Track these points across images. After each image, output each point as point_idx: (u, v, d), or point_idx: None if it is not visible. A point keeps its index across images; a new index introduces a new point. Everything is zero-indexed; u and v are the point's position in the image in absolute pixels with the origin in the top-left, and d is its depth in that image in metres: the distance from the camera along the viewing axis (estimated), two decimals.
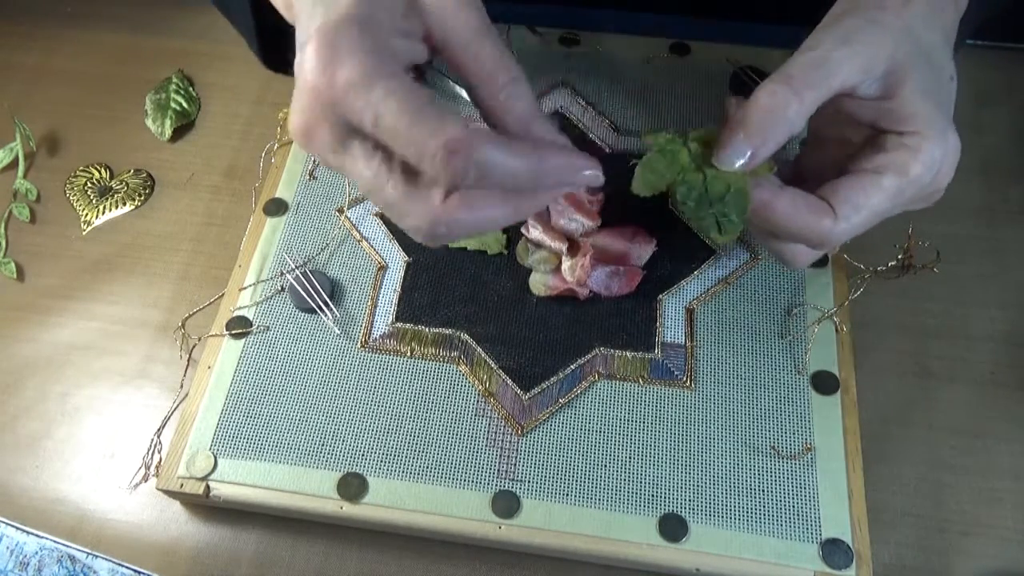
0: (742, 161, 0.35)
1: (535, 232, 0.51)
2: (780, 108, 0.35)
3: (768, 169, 0.37)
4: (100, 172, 0.60)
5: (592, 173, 0.35)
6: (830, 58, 0.35)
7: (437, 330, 0.50)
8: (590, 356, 0.48)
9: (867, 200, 0.36)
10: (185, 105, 0.63)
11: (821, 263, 0.51)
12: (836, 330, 0.49)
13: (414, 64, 0.34)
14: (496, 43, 0.34)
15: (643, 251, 0.51)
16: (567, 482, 0.45)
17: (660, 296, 0.50)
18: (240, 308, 0.51)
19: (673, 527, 0.43)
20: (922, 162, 0.36)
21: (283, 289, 0.51)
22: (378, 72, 0.31)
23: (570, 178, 0.34)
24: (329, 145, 0.33)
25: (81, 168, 0.60)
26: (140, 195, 0.59)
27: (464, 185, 0.31)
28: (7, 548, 0.45)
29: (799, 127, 0.35)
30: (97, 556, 0.45)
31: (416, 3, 0.33)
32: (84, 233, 0.57)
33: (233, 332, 0.50)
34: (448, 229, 0.33)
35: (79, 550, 0.46)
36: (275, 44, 0.48)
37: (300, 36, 0.34)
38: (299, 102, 0.32)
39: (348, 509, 0.44)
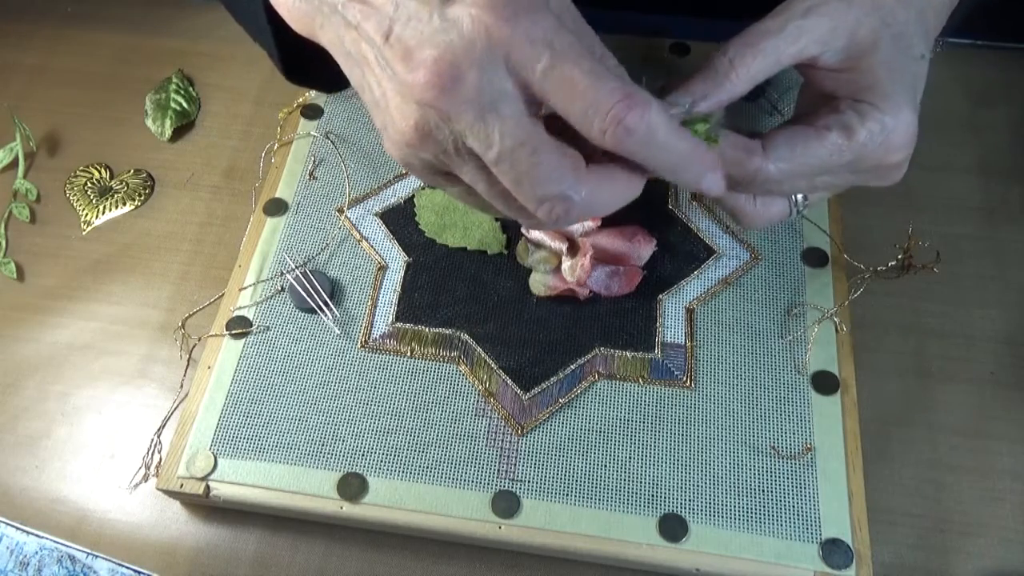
0: (677, 109, 0.36)
1: (535, 232, 0.51)
2: (721, 70, 0.36)
3: (703, 123, 0.37)
4: (100, 172, 0.60)
5: (715, 179, 0.34)
6: (786, 28, 0.36)
7: (437, 330, 0.50)
8: (590, 356, 0.48)
9: (803, 147, 0.36)
10: (185, 105, 0.63)
11: (821, 263, 0.51)
12: (836, 330, 0.49)
13: None
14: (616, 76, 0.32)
15: (643, 251, 0.51)
16: (567, 482, 0.45)
17: (660, 296, 0.50)
18: (240, 308, 0.51)
19: (673, 527, 0.43)
20: (868, 128, 0.36)
21: (283, 289, 0.51)
22: (555, 26, 0.30)
23: (700, 175, 0.34)
24: (479, 93, 0.30)
25: (81, 168, 0.60)
26: (140, 195, 0.59)
27: (625, 150, 0.31)
28: (7, 548, 0.45)
29: (741, 90, 0.36)
30: (97, 556, 0.45)
31: None
32: (84, 233, 0.57)
33: (233, 332, 0.50)
34: (580, 204, 0.32)
35: (79, 550, 0.46)
36: (296, 57, 0.48)
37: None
38: (452, 40, 0.30)
39: (348, 509, 0.44)
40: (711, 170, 0.33)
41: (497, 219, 0.53)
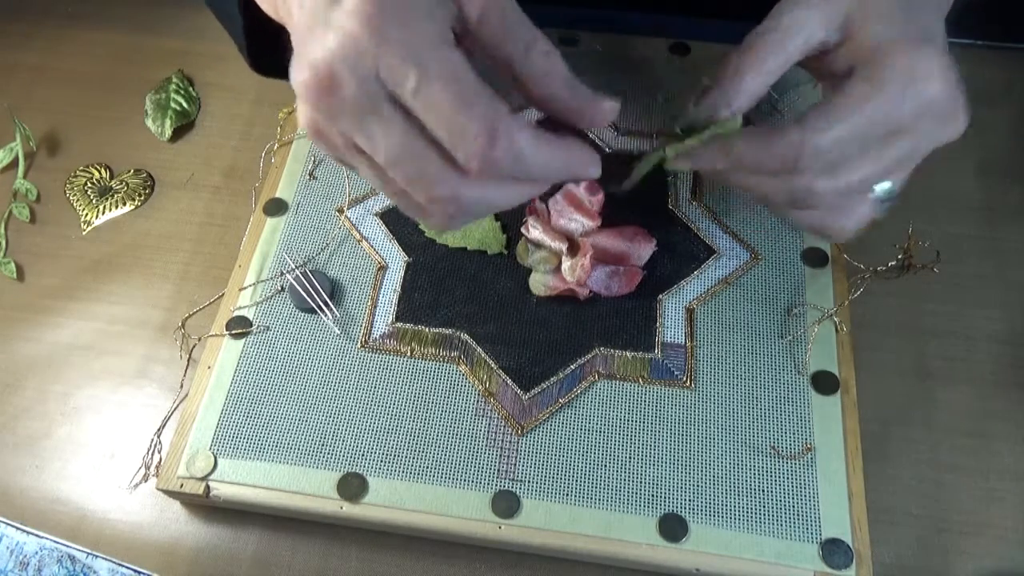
0: (709, 114, 0.37)
1: (535, 232, 0.51)
2: (744, 71, 0.36)
3: (735, 124, 0.38)
4: (100, 172, 0.60)
5: (595, 171, 0.35)
6: (789, 24, 0.36)
7: (437, 330, 0.50)
8: (590, 356, 0.48)
9: (837, 111, 0.35)
10: (185, 105, 0.63)
11: (821, 263, 0.51)
12: (836, 330, 0.49)
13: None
14: (525, 17, 0.33)
15: (643, 251, 0.51)
16: (567, 482, 0.45)
17: (660, 296, 0.50)
18: (240, 308, 0.51)
19: (673, 527, 0.43)
20: (888, 66, 0.34)
21: (283, 289, 0.51)
22: (431, 40, 0.30)
23: (583, 174, 0.35)
24: (355, 101, 0.30)
25: (81, 168, 0.60)
26: (140, 195, 0.59)
27: (494, 173, 0.31)
28: (7, 548, 0.45)
29: (761, 89, 0.37)
30: (97, 556, 0.45)
31: None
32: (84, 233, 0.57)
33: (233, 332, 0.50)
34: (476, 207, 0.33)
35: (79, 550, 0.46)
36: (265, 48, 0.48)
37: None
38: (330, 51, 0.30)
39: (348, 509, 0.44)
40: (593, 164, 0.34)
41: (497, 219, 0.53)
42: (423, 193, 0.32)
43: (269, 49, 0.46)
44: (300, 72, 0.31)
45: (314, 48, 0.30)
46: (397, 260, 0.52)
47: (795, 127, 0.35)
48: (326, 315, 0.50)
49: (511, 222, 0.53)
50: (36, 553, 0.45)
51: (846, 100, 0.35)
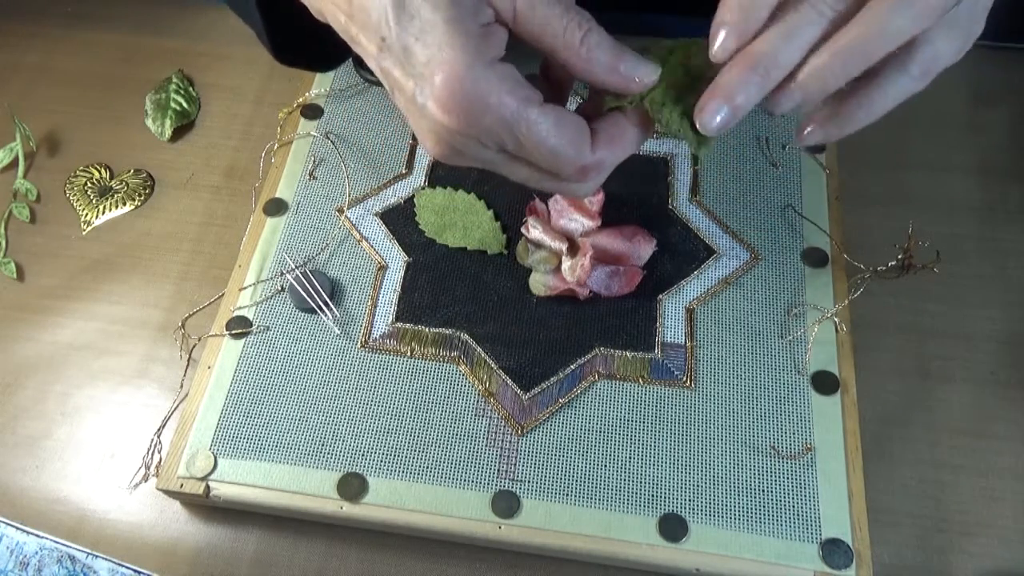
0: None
1: (535, 232, 0.51)
2: None
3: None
4: (100, 172, 0.60)
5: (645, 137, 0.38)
6: None
7: (437, 330, 0.50)
8: (590, 356, 0.48)
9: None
10: (185, 105, 0.63)
11: (821, 263, 0.51)
12: (836, 330, 0.49)
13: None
14: (559, 3, 0.35)
15: (643, 251, 0.51)
16: (567, 482, 0.45)
17: (660, 296, 0.50)
18: (240, 308, 0.51)
19: (673, 527, 0.43)
20: None
21: (283, 289, 0.51)
22: (516, 111, 0.33)
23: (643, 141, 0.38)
24: (475, 159, 0.36)
25: (81, 168, 0.60)
26: (140, 195, 0.59)
27: (598, 179, 0.37)
28: (7, 548, 0.45)
29: None
30: (97, 556, 0.45)
31: None
32: (84, 233, 0.57)
33: (233, 332, 0.50)
34: (591, 190, 0.38)
35: (79, 550, 0.46)
36: (286, 38, 0.48)
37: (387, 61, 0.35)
38: (438, 136, 0.35)
39: (348, 509, 0.44)
40: (649, 72, 0.36)
41: (497, 219, 0.53)
42: (555, 189, 0.38)
43: (292, 40, 0.46)
44: (421, 140, 0.36)
45: (425, 132, 0.35)
46: (397, 260, 0.52)
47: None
48: (326, 315, 0.50)
49: (511, 222, 0.53)
50: (36, 553, 0.45)
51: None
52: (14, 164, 0.60)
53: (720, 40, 0.35)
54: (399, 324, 0.50)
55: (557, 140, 0.34)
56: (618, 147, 0.36)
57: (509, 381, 0.48)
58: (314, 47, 0.43)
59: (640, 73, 0.35)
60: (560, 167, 0.35)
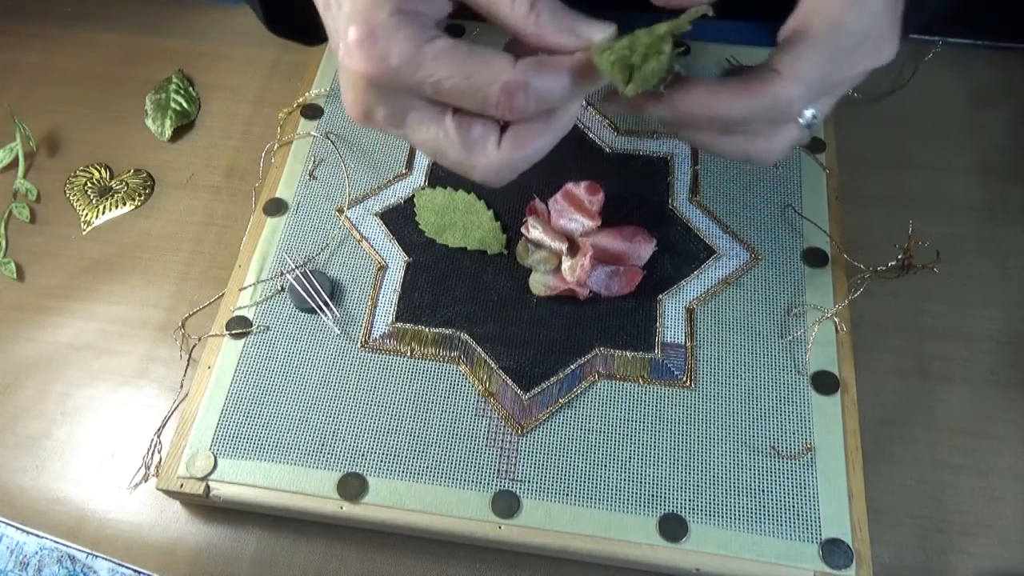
0: None
1: (535, 232, 0.51)
2: None
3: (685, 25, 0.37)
4: (100, 172, 0.60)
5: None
6: None
7: (437, 330, 0.50)
8: (590, 356, 0.48)
9: (804, 50, 0.36)
10: (185, 105, 0.63)
11: (821, 263, 0.51)
12: (836, 330, 0.49)
13: (441, 20, 0.36)
14: None
15: (643, 251, 0.51)
16: (567, 482, 0.45)
17: (660, 296, 0.50)
18: (240, 308, 0.51)
19: (673, 527, 0.43)
20: (796, 97, 0.36)
21: (283, 289, 0.51)
22: (421, 44, 0.33)
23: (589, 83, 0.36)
24: (389, 120, 0.35)
25: (81, 168, 0.60)
26: (140, 195, 0.59)
27: (527, 117, 0.35)
28: (7, 548, 0.45)
29: None
30: (97, 556, 0.45)
31: None
32: (84, 233, 0.57)
33: (233, 332, 0.50)
34: (511, 171, 0.37)
35: (79, 550, 0.46)
36: (279, 8, 0.48)
37: (330, 22, 0.36)
38: (353, 90, 0.35)
39: (348, 509, 0.44)
40: (600, 30, 0.35)
41: (497, 219, 0.53)
42: (468, 175, 0.37)
43: (284, 11, 0.47)
44: (347, 109, 0.36)
45: (343, 87, 0.35)
46: (397, 260, 0.52)
47: (775, 77, 0.36)
48: (326, 315, 0.50)
49: (511, 222, 0.53)
50: (36, 553, 0.45)
51: (811, 41, 0.36)
52: (14, 164, 0.60)
53: None
54: (399, 324, 0.50)
55: (471, 56, 0.33)
56: (548, 73, 0.34)
57: (509, 381, 0.48)
58: (305, 19, 0.43)
59: (594, 32, 0.35)
60: (479, 88, 0.33)
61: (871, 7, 0.37)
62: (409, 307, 0.51)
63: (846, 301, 0.49)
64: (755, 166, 0.41)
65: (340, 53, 0.34)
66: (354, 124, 0.58)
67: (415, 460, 0.45)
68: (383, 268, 0.52)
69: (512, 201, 0.54)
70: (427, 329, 0.50)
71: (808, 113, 0.39)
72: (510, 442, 0.46)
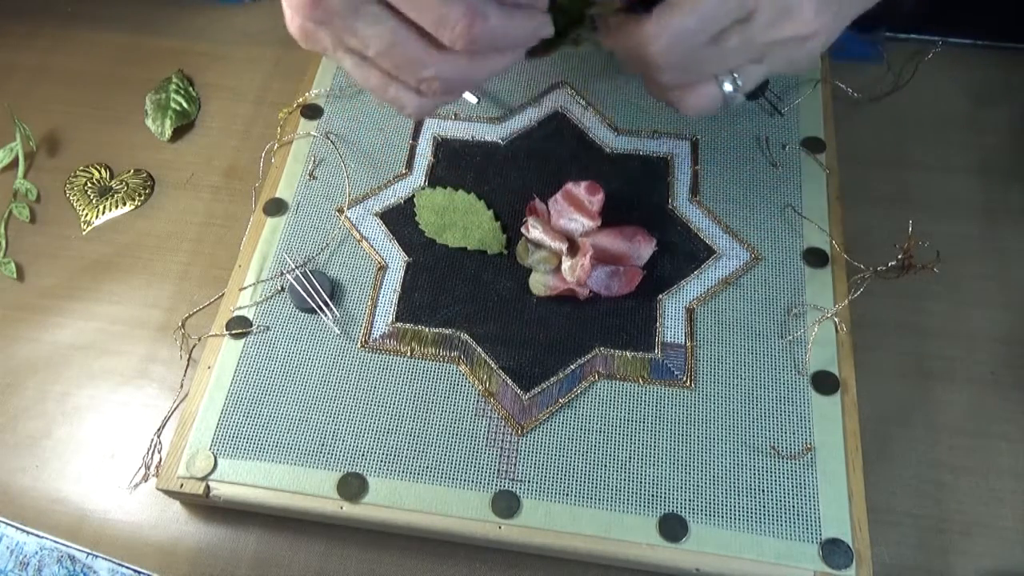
0: None
1: (535, 232, 0.51)
2: None
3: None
4: (100, 172, 0.60)
5: (548, 31, 0.38)
6: None
7: (437, 330, 0.50)
8: (590, 356, 0.48)
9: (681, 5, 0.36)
10: (185, 105, 0.63)
11: (821, 263, 0.51)
12: (836, 330, 0.49)
13: None
14: None
15: (643, 251, 0.51)
16: (567, 482, 0.45)
17: (660, 296, 0.50)
18: (240, 308, 0.51)
19: (673, 527, 0.43)
20: None
21: (283, 289, 0.51)
22: None
23: (541, 34, 0.38)
24: (342, 6, 0.34)
25: (81, 168, 0.60)
26: (140, 195, 0.59)
27: (476, 49, 0.35)
28: (7, 548, 0.45)
29: None
30: (97, 556, 0.45)
31: None
32: (84, 233, 0.57)
33: (233, 332, 0.50)
34: (459, 82, 0.37)
35: (79, 550, 0.46)
36: None
37: None
38: None
39: (348, 509, 0.44)
40: (546, 25, 0.37)
41: (497, 219, 0.53)
42: (412, 76, 0.36)
43: None
44: (291, 4, 0.34)
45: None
46: (397, 260, 0.52)
47: (645, 20, 0.37)
48: (326, 315, 0.50)
49: (511, 222, 0.53)
50: (36, 553, 0.45)
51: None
52: (14, 164, 0.60)
53: None
54: (399, 324, 0.50)
55: None
56: (508, 14, 0.35)
57: (509, 381, 0.48)
58: None
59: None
60: (448, 9, 0.33)
61: (788, 31, 0.37)
62: (409, 307, 0.51)
63: (846, 301, 0.49)
64: (682, 115, 0.42)
65: None
66: (354, 124, 0.58)
67: (415, 460, 0.45)
68: (383, 268, 0.52)
69: (512, 201, 0.54)
70: (427, 329, 0.50)
71: (725, 83, 0.39)
72: (510, 442, 0.46)
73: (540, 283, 0.50)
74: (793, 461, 0.45)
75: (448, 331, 0.50)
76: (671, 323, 0.49)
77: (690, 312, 0.50)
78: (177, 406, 0.50)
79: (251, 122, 0.62)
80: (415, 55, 0.35)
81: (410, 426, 0.47)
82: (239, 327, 0.50)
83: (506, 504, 0.44)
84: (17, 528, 0.46)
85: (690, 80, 0.40)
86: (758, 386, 0.47)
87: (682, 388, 0.47)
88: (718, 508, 0.44)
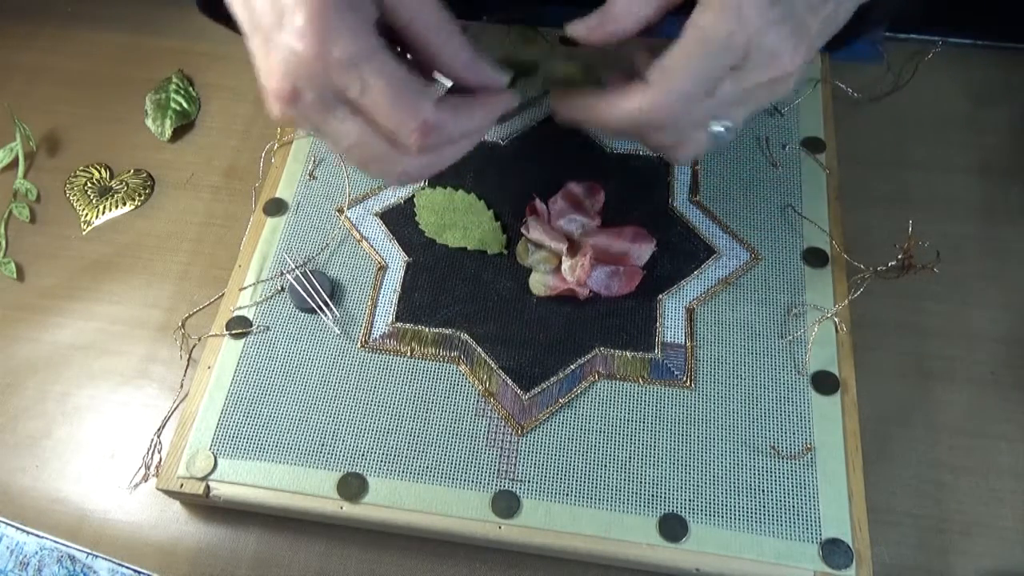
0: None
1: (535, 232, 0.51)
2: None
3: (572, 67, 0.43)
4: (100, 172, 0.60)
5: (511, 103, 0.41)
6: None
7: (437, 330, 0.50)
8: (590, 356, 0.48)
9: (672, 61, 0.37)
10: (185, 105, 0.63)
11: (821, 263, 0.51)
12: (836, 330, 0.49)
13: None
14: (439, 8, 0.37)
15: (643, 251, 0.51)
16: (567, 482, 0.45)
17: (660, 296, 0.50)
18: (240, 308, 0.51)
19: (673, 527, 0.43)
20: (710, 7, 0.36)
21: (283, 289, 0.51)
22: (368, 50, 0.35)
23: (503, 112, 0.41)
24: (314, 106, 0.36)
25: (81, 168, 0.60)
26: (140, 195, 0.59)
27: (432, 150, 0.38)
28: (7, 548, 0.45)
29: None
30: (97, 556, 0.45)
31: None
32: (84, 233, 0.57)
33: (233, 332, 0.50)
34: (423, 173, 0.40)
35: (79, 550, 0.46)
36: None
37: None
38: (285, 69, 0.35)
39: (348, 509, 0.44)
40: (507, 102, 0.40)
41: (497, 219, 0.53)
42: (377, 169, 0.39)
43: None
44: (265, 81, 0.36)
45: (273, 64, 0.36)
46: (397, 260, 0.52)
47: (638, 87, 0.38)
48: (326, 315, 0.50)
49: (511, 222, 0.53)
50: (36, 553, 0.45)
51: (682, 52, 0.37)
52: (14, 164, 0.60)
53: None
54: (399, 324, 0.50)
55: (402, 84, 0.35)
56: (462, 115, 0.38)
57: (509, 381, 0.48)
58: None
59: (498, 78, 0.39)
60: (400, 119, 0.36)
61: (746, 13, 0.36)
62: (409, 307, 0.51)
63: (846, 301, 0.49)
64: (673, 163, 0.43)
65: (278, 32, 0.35)
66: None
67: (415, 460, 0.45)
68: (383, 268, 0.52)
69: (512, 201, 0.54)
70: (427, 329, 0.50)
71: (715, 127, 0.40)
72: (510, 442, 0.46)
73: (540, 283, 0.50)
74: (793, 461, 0.45)
75: (448, 331, 0.50)
76: (671, 323, 0.49)
77: (690, 312, 0.50)
78: (177, 406, 0.50)
79: (251, 122, 0.62)
80: (381, 153, 0.38)
81: (410, 426, 0.47)
82: (239, 327, 0.50)
83: (506, 504, 0.44)
84: (17, 528, 0.46)
85: (686, 135, 0.40)
86: (758, 386, 0.47)
87: (682, 388, 0.47)
88: (718, 508, 0.44)
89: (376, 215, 0.54)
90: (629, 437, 0.46)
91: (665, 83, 0.37)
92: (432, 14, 0.37)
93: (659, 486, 0.44)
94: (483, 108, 0.39)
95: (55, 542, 0.46)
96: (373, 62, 0.35)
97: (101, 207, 0.58)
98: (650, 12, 0.40)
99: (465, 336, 0.49)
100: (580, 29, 0.40)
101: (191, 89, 0.64)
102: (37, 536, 0.46)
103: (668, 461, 0.45)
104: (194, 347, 0.52)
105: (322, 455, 0.46)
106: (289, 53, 0.35)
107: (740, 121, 0.41)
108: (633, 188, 0.55)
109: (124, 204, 0.58)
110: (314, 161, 0.57)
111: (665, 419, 0.46)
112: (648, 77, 0.37)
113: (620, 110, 0.39)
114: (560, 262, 0.51)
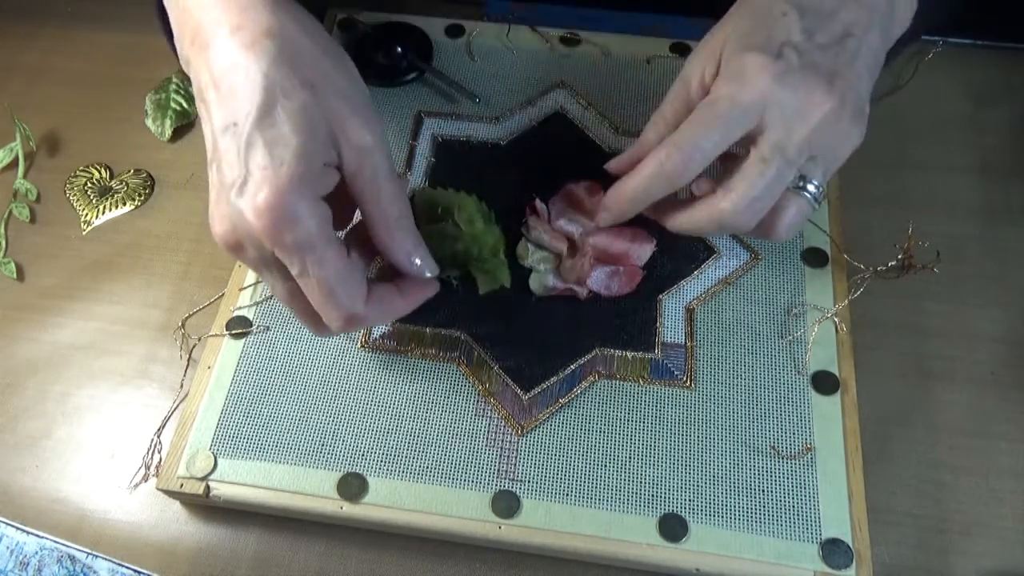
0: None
1: (535, 232, 0.51)
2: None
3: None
4: (100, 172, 0.60)
5: (432, 292, 0.45)
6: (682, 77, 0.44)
7: (437, 330, 0.50)
8: (590, 356, 0.48)
9: (741, 168, 0.40)
10: (185, 105, 0.63)
11: (821, 263, 0.51)
12: (836, 330, 0.49)
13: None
14: (396, 184, 0.40)
15: (643, 251, 0.51)
16: (567, 482, 0.45)
17: (660, 296, 0.50)
18: (240, 308, 0.51)
19: (673, 527, 0.43)
20: (731, 95, 0.39)
21: None
22: (316, 241, 0.37)
23: (423, 299, 0.44)
24: (255, 263, 0.39)
25: (81, 168, 0.60)
26: (140, 195, 0.59)
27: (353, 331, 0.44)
28: (7, 548, 0.45)
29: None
30: (97, 556, 0.45)
31: (339, 140, 0.38)
32: (84, 233, 0.57)
33: (233, 332, 0.50)
34: (363, 325, 0.45)
35: (79, 550, 0.46)
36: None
37: (229, 143, 0.37)
38: (235, 225, 0.37)
39: (348, 509, 0.44)
40: (430, 291, 0.44)
41: (497, 220, 0.53)
42: (307, 324, 0.42)
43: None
44: (213, 222, 0.38)
45: (225, 214, 0.37)
46: None
47: (718, 195, 0.41)
48: None
49: (511, 222, 0.53)
50: (36, 553, 0.45)
51: (748, 166, 0.40)
52: (14, 164, 0.60)
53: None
54: (399, 324, 0.50)
55: (338, 281, 0.38)
56: (386, 309, 0.42)
57: (509, 381, 0.48)
58: None
59: (427, 268, 0.42)
60: (327, 311, 0.39)
61: (813, 117, 0.39)
62: None
63: (846, 301, 0.49)
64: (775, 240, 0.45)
65: (239, 195, 0.36)
66: None
67: (415, 460, 0.45)
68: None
69: (512, 201, 0.54)
70: (427, 329, 0.50)
71: (810, 189, 0.42)
72: (510, 442, 0.46)
73: (540, 283, 0.50)
74: (793, 461, 0.45)
75: (448, 331, 0.50)
76: (671, 323, 0.49)
77: (690, 312, 0.50)
78: (177, 406, 0.50)
79: None
80: (309, 314, 0.41)
81: (410, 426, 0.47)
82: (239, 327, 0.50)
83: (506, 504, 0.44)
84: (17, 528, 0.46)
85: (764, 210, 0.42)
86: (758, 386, 0.47)
87: (682, 388, 0.47)
88: (718, 508, 0.44)
89: None
90: (629, 437, 0.46)
91: (733, 191, 0.41)
92: (391, 206, 0.40)
93: (659, 486, 0.44)
94: (406, 301, 0.43)
95: (55, 542, 0.46)
96: (317, 253, 0.37)
97: (101, 207, 0.58)
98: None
99: (465, 336, 0.49)
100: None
101: (191, 89, 0.64)
102: (37, 536, 0.46)
103: (668, 461, 0.45)
104: (194, 347, 0.52)
105: (322, 455, 0.46)
106: (242, 219, 0.36)
107: (823, 176, 0.42)
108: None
109: (124, 204, 0.58)
110: None
111: (665, 419, 0.46)
112: (719, 187, 0.41)
113: (705, 217, 0.42)
114: (560, 262, 0.51)
